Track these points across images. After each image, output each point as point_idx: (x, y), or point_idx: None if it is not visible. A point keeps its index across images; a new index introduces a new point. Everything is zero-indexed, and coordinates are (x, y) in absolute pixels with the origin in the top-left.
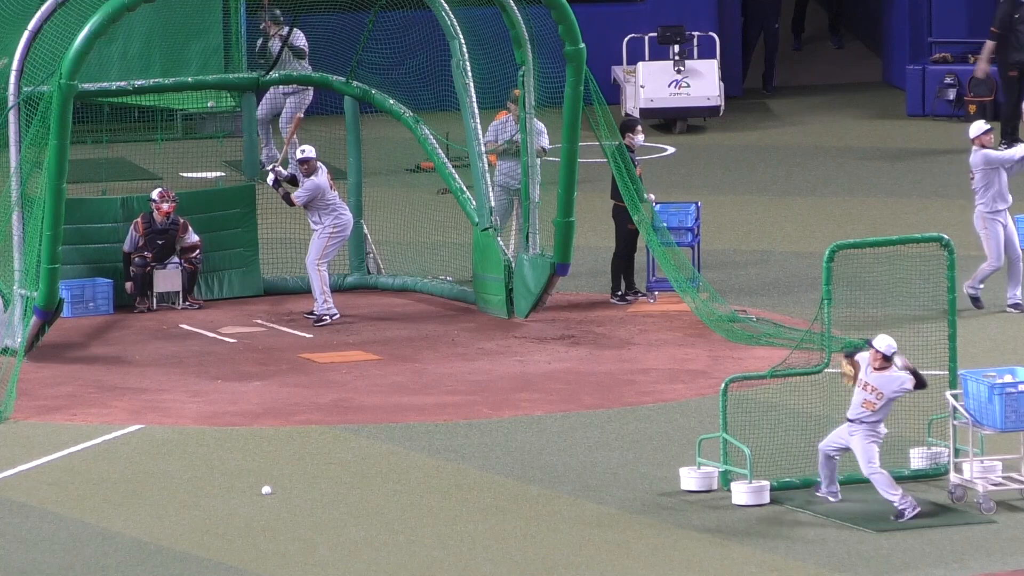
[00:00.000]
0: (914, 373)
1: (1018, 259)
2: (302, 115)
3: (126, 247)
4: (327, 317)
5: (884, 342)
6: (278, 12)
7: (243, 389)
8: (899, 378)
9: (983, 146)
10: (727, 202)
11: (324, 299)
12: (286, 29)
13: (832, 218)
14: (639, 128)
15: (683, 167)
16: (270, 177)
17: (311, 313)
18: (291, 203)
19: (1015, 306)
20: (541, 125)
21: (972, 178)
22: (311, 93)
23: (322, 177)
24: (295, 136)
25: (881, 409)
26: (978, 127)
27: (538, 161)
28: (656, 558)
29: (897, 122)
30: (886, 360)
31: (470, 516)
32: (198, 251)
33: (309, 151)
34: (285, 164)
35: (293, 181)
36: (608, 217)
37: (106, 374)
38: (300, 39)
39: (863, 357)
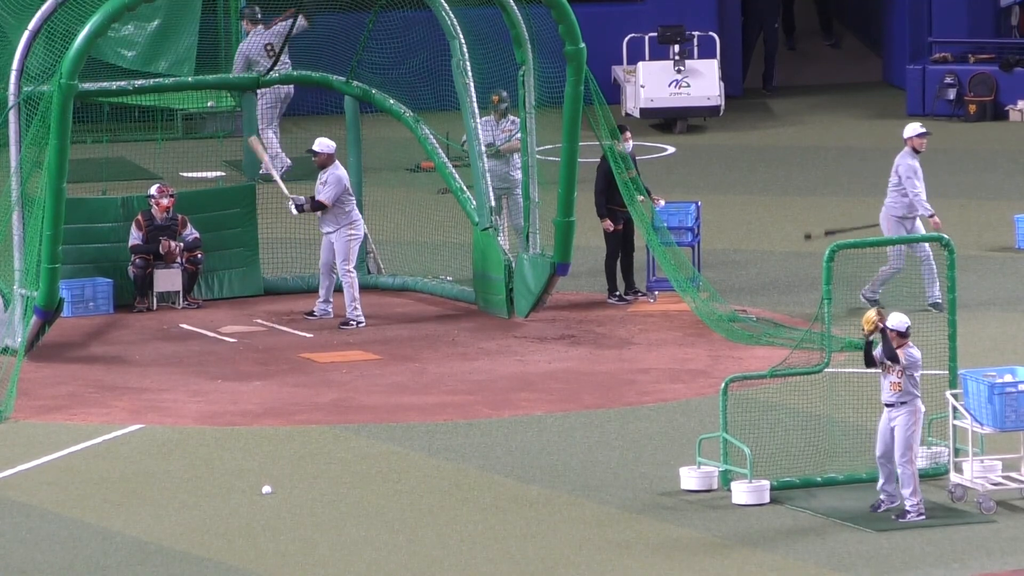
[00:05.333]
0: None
1: (928, 258)
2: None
3: (131, 243)
4: (353, 322)
5: (897, 319)
6: (256, 9)
7: (243, 389)
8: (910, 353)
9: (915, 150)
10: (727, 202)
11: (355, 305)
12: (262, 28)
13: (832, 218)
14: (627, 135)
15: (683, 167)
16: (292, 208)
17: (311, 313)
18: (324, 206)
19: (935, 305)
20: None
21: (894, 178)
22: (291, 88)
23: (341, 168)
24: (260, 149)
25: (908, 386)
26: (912, 128)
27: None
28: (656, 558)
29: (897, 122)
30: (902, 337)
31: (470, 516)
32: (199, 251)
33: (321, 145)
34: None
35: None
36: None
37: (106, 374)
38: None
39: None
